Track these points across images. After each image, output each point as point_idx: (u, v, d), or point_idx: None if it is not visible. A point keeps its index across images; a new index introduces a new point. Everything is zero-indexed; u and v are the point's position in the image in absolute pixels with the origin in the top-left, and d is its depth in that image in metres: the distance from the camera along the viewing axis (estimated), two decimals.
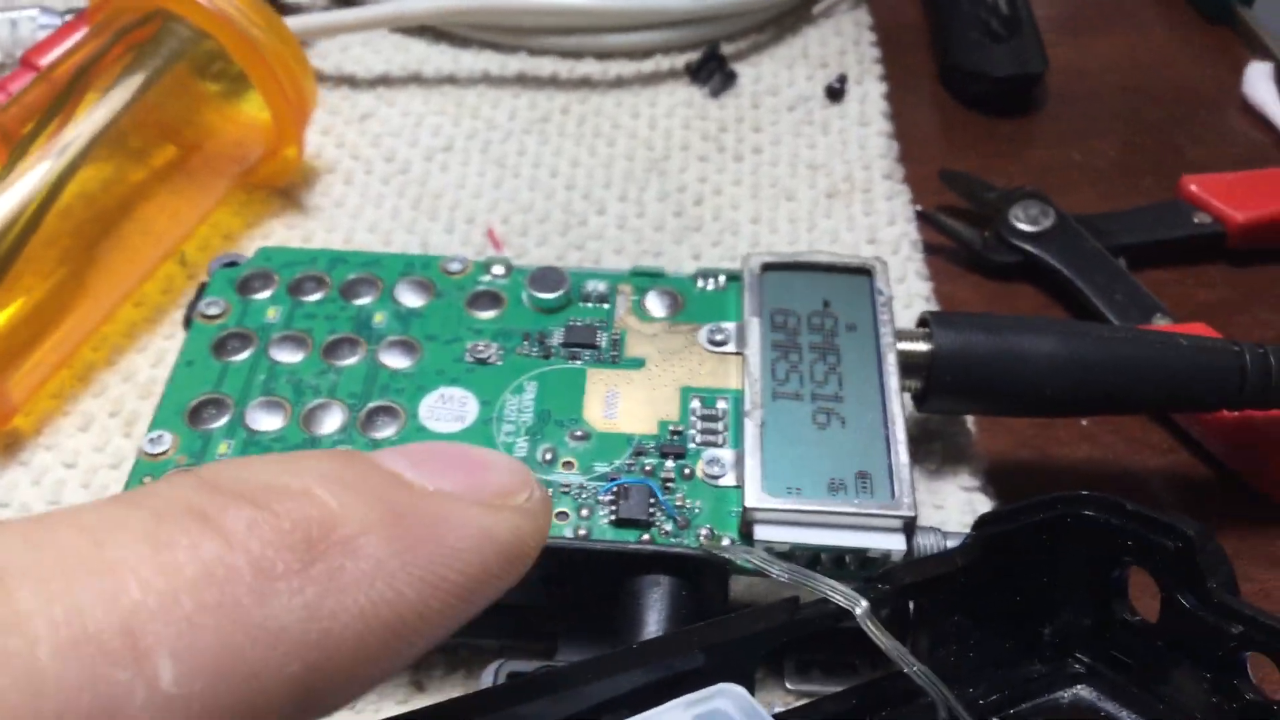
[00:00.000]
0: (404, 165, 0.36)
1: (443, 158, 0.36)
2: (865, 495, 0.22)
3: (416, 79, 0.39)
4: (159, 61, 0.32)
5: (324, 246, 0.33)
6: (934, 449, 0.28)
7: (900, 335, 0.25)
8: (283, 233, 0.33)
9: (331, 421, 0.24)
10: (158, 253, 0.31)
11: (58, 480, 0.27)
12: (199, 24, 0.31)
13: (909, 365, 0.25)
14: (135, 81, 0.31)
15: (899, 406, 0.23)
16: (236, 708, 0.10)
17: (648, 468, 0.23)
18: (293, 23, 0.37)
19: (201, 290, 0.27)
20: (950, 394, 0.25)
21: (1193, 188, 0.35)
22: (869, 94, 0.38)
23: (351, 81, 0.39)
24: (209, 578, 0.10)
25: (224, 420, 0.24)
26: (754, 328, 0.25)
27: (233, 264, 0.27)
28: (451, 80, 0.39)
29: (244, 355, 0.25)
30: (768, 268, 0.26)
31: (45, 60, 0.34)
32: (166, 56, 0.32)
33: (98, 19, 0.33)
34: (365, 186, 0.35)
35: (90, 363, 0.30)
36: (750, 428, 0.23)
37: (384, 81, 0.39)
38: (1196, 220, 0.34)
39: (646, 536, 0.22)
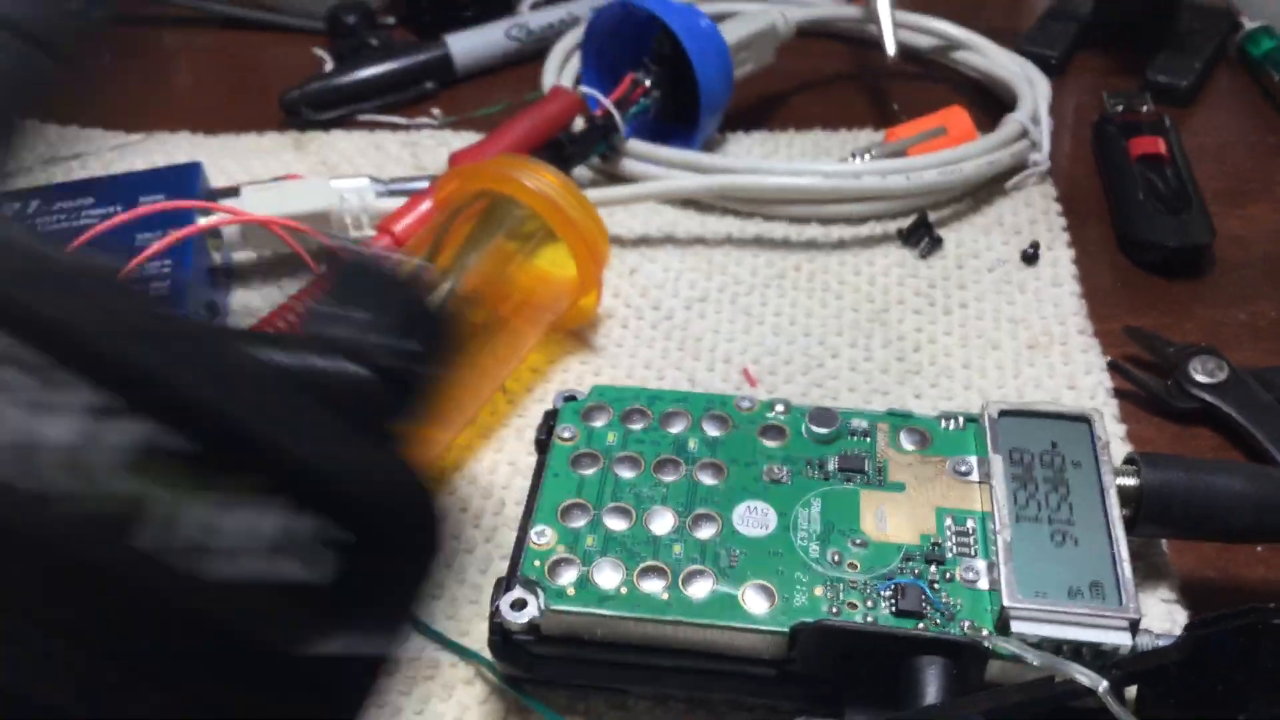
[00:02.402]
0: (668, 313, 0.44)
1: (699, 307, 0.44)
2: (1099, 600, 0.28)
3: (671, 239, 0.47)
4: (491, 231, 0.40)
5: (610, 380, 0.41)
6: (1136, 567, 0.33)
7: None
8: (578, 368, 0.41)
9: (664, 524, 0.31)
10: (490, 388, 0.39)
11: None
12: (530, 205, 0.40)
13: (1121, 497, 0.31)
14: (477, 249, 0.40)
15: (1122, 530, 0.29)
16: None
17: (916, 571, 0.30)
18: None
19: (548, 417, 0.35)
20: (1156, 521, 0.31)
21: None
22: (1059, 259, 0.45)
23: (619, 241, 0.47)
24: None
25: (586, 520, 0.31)
26: (997, 463, 0.31)
27: (571, 398, 0.35)
28: (701, 241, 0.47)
29: (594, 470, 0.32)
30: (1004, 414, 0.32)
31: (398, 228, 0.43)
32: (496, 227, 0.40)
33: (442, 198, 0.42)
34: (638, 330, 0.43)
35: (444, 470, 0.38)
36: (1001, 543, 0.29)
37: (644, 241, 0.47)
38: None
39: (922, 625, 0.28)
